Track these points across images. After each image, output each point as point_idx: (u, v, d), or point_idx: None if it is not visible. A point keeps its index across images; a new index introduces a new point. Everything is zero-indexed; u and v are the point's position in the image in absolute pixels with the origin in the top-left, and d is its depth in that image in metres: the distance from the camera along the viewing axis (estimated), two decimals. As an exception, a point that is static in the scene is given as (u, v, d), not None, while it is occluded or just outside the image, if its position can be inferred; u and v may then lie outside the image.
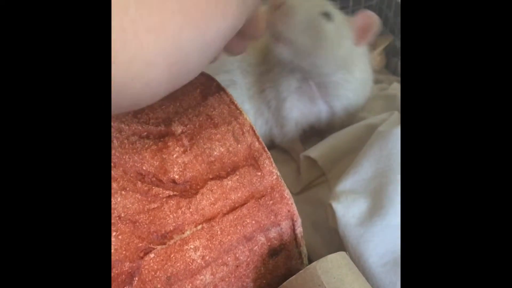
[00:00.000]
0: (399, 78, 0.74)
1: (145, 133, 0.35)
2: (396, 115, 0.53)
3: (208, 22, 0.26)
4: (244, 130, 0.37)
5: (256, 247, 0.36)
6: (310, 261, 0.46)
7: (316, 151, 0.53)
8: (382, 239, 0.40)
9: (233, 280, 0.35)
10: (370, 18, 0.52)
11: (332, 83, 0.55)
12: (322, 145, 0.54)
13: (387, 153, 0.45)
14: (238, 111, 0.37)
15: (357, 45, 0.54)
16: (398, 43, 0.78)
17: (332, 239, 0.46)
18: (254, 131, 0.37)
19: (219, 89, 0.39)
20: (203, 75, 0.42)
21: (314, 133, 0.62)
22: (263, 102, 0.58)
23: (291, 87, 0.55)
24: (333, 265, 0.34)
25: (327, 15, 0.51)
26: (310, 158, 0.53)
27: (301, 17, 0.49)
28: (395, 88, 0.67)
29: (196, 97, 0.39)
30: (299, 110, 0.58)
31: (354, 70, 0.55)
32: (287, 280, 0.34)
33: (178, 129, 0.36)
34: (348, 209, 0.42)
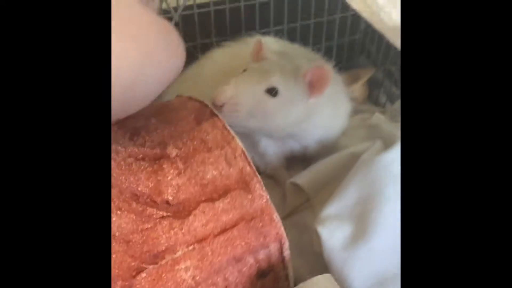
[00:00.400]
0: (381, 109, 0.77)
1: (141, 155, 0.37)
2: (379, 144, 0.55)
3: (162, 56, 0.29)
4: (236, 154, 0.38)
5: (245, 268, 0.37)
6: (295, 284, 0.47)
7: (302, 178, 0.55)
8: (366, 263, 0.41)
9: (222, 301, 0.36)
10: (322, 71, 0.52)
11: (295, 134, 0.57)
12: (308, 172, 0.55)
13: (370, 180, 0.47)
14: (230, 136, 0.39)
15: (312, 98, 0.54)
16: (379, 75, 0.81)
17: (317, 264, 0.47)
18: (245, 156, 0.39)
19: (213, 115, 0.41)
20: (197, 101, 0.43)
21: (298, 160, 0.64)
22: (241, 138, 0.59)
23: None
24: (318, 287, 0.35)
25: (271, 91, 0.51)
26: (296, 184, 0.55)
27: (246, 107, 0.49)
28: (378, 118, 0.69)
29: (191, 122, 0.40)
30: (273, 148, 0.60)
31: (317, 117, 0.56)
32: (275, 301, 0.35)
33: (173, 152, 0.37)
34: (333, 234, 0.43)
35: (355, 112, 0.78)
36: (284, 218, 0.56)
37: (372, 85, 0.83)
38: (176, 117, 0.41)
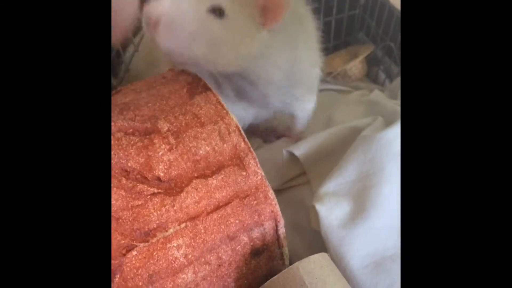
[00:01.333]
0: (380, 87, 0.76)
1: (131, 130, 0.35)
2: (380, 120, 0.54)
3: None
4: (230, 130, 0.37)
5: (239, 246, 0.36)
6: (291, 263, 0.46)
7: (299, 148, 0.53)
8: (364, 242, 0.41)
9: (214, 280, 0.35)
10: None
11: (248, 75, 0.48)
12: (305, 143, 0.53)
13: (371, 157, 0.46)
14: (224, 111, 0.37)
15: (266, 27, 0.44)
16: (379, 53, 0.79)
17: (313, 241, 0.46)
18: (240, 131, 0.37)
19: (206, 88, 0.39)
20: (190, 74, 0.42)
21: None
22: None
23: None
24: (315, 265, 0.34)
25: (215, 11, 0.42)
26: (292, 155, 0.53)
27: (186, 28, 0.41)
28: (377, 95, 0.68)
29: (183, 96, 0.39)
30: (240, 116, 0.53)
31: (272, 56, 0.47)
32: (269, 280, 0.34)
33: (164, 126, 0.36)
34: (331, 211, 0.42)
35: (354, 88, 0.77)
36: (279, 191, 0.54)
37: (371, 62, 0.81)
38: (168, 90, 0.39)
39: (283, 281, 0.33)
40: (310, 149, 0.52)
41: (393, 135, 0.46)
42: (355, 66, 0.77)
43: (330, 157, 0.51)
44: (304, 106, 0.58)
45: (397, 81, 0.73)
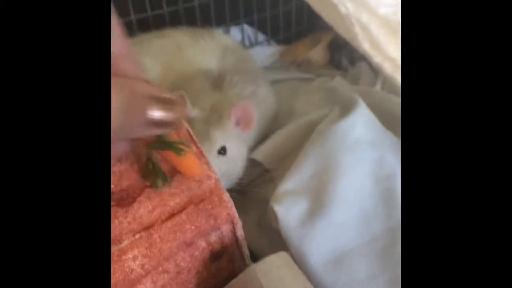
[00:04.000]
0: (343, 72, 0.76)
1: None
2: (336, 111, 0.54)
3: None
4: (181, 135, 0.36)
5: (197, 252, 0.36)
6: (256, 260, 0.47)
7: (260, 153, 0.53)
8: (323, 238, 0.41)
9: (174, 287, 0.35)
10: (246, 108, 0.53)
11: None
12: (265, 146, 0.54)
13: (327, 150, 0.46)
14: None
15: (244, 131, 0.54)
16: (341, 39, 0.79)
17: (280, 240, 0.46)
18: (191, 136, 0.37)
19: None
20: None
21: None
22: None
23: None
24: (272, 266, 0.35)
25: (221, 151, 0.52)
26: (254, 160, 0.54)
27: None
28: (337, 81, 0.68)
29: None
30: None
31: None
32: (228, 285, 0.35)
33: (112, 137, 0.35)
34: (289, 211, 0.42)
35: (317, 75, 0.77)
36: (243, 191, 0.54)
37: (334, 48, 0.81)
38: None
39: (242, 284, 0.34)
40: (271, 151, 0.52)
41: (348, 126, 0.46)
42: (318, 53, 0.77)
43: (292, 155, 0.51)
44: None
45: (359, 66, 0.73)
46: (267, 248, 0.47)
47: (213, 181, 0.36)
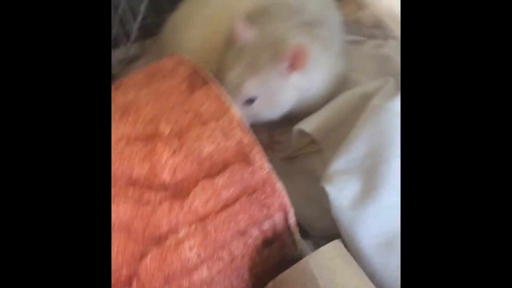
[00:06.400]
0: (396, 34, 0.72)
1: (134, 136, 0.35)
2: (392, 84, 0.52)
3: None
4: (233, 125, 0.36)
5: (250, 240, 0.37)
6: (306, 234, 0.47)
7: (310, 124, 0.52)
8: (375, 221, 0.41)
9: (229, 272, 0.37)
10: (300, 48, 0.49)
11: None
12: (316, 117, 0.52)
13: (380, 130, 0.45)
14: (226, 106, 0.37)
15: (291, 73, 0.51)
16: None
17: (326, 211, 0.46)
18: (243, 126, 0.37)
19: (205, 82, 0.38)
20: (189, 65, 0.41)
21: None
22: None
23: None
24: (325, 257, 0.35)
25: (249, 102, 0.50)
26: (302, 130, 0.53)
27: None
28: (392, 46, 0.65)
29: (183, 92, 0.38)
30: None
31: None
32: (281, 274, 0.35)
33: (166, 129, 0.36)
34: (341, 192, 0.42)
35: (368, 36, 0.73)
36: (291, 159, 0.54)
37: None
38: (168, 86, 0.39)
39: (295, 275, 0.34)
40: (321, 123, 0.51)
41: (403, 104, 0.44)
42: (365, 16, 0.73)
43: (342, 127, 0.50)
44: None
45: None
46: (313, 220, 0.48)
47: (266, 170, 0.36)
